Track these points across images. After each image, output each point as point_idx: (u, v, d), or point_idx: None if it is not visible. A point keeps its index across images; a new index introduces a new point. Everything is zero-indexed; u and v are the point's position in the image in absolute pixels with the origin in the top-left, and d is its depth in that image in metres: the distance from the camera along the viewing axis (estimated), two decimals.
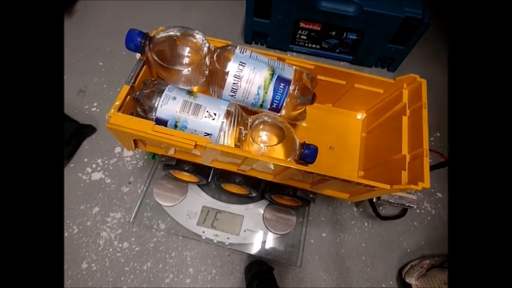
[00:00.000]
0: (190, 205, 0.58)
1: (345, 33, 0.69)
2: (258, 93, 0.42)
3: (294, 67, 0.44)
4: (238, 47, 0.43)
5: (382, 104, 0.53)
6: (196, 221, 0.57)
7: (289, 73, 0.43)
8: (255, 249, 0.56)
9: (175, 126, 0.41)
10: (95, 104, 0.68)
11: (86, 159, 0.62)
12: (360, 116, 0.57)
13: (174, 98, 0.41)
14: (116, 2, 0.84)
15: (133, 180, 0.61)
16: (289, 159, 0.43)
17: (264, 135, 0.43)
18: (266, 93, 0.42)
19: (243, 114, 0.44)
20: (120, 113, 0.38)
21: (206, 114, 0.41)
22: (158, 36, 0.41)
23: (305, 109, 0.47)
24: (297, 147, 0.44)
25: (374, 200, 0.54)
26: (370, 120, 0.55)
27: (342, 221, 0.60)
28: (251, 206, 0.59)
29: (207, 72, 0.43)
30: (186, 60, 0.41)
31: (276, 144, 0.42)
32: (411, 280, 0.53)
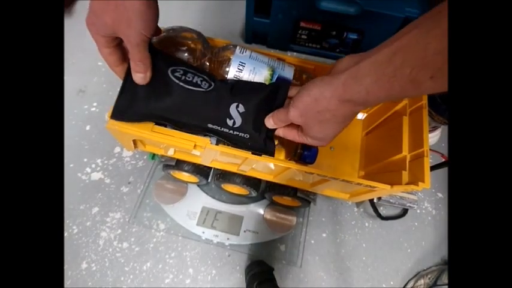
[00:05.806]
0: (190, 205, 0.58)
1: (345, 33, 0.69)
2: None
3: (294, 67, 0.44)
4: (238, 47, 0.42)
5: (382, 104, 0.53)
6: (196, 221, 0.57)
7: (289, 73, 0.43)
8: (255, 249, 0.56)
9: None
10: (95, 104, 0.68)
11: (85, 159, 0.62)
12: (360, 116, 0.57)
13: None
14: None
15: (132, 180, 0.61)
16: (289, 160, 0.43)
17: None
18: None
19: None
20: None
21: None
22: (158, 37, 0.41)
23: None
24: (298, 147, 0.44)
25: (374, 200, 0.54)
26: (370, 120, 0.55)
27: (343, 221, 0.60)
28: (251, 206, 0.59)
29: None
30: (185, 60, 0.41)
31: (275, 145, 0.42)
32: None
